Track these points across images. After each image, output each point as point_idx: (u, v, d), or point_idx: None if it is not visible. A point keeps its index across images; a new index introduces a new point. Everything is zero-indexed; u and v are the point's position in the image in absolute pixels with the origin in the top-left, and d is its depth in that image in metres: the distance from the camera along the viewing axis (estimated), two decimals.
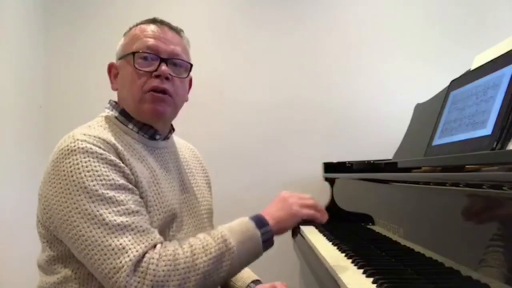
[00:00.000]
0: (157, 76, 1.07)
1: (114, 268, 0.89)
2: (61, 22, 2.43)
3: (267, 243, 1.01)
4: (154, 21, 1.14)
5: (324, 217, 1.11)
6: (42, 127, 2.33)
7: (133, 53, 1.08)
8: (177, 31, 1.16)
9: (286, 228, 1.06)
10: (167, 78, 1.08)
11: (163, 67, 1.07)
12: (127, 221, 0.93)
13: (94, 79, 2.39)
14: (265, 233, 1.01)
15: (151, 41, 1.09)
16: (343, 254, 1.30)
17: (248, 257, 1.00)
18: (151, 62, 1.08)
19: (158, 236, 0.97)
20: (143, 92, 1.07)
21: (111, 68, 1.15)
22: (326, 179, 2.13)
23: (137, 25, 1.15)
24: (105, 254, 0.90)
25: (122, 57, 1.12)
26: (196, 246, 0.96)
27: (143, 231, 0.94)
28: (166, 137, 1.18)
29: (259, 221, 1.02)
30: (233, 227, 1.01)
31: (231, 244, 0.97)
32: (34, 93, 2.30)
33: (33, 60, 2.31)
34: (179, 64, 1.12)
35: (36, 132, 2.29)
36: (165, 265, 0.92)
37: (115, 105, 1.13)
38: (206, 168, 1.36)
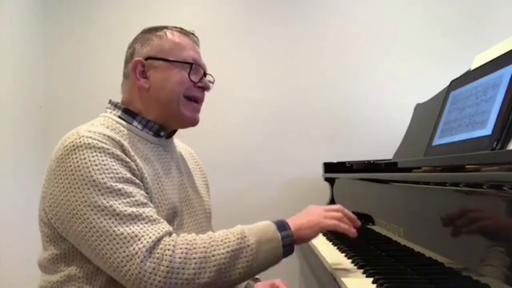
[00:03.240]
0: (200, 87, 1.15)
1: (127, 256, 0.89)
2: (61, 23, 2.43)
3: (288, 248, 1.00)
4: (186, 32, 1.18)
5: (350, 230, 1.05)
6: (42, 127, 2.33)
7: (191, 64, 1.13)
8: (199, 44, 1.21)
9: (307, 236, 1.03)
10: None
11: (208, 80, 1.17)
12: (137, 211, 0.94)
13: (94, 79, 2.39)
14: (286, 237, 0.99)
15: (195, 55, 1.16)
16: (343, 254, 1.30)
17: (267, 259, 0.98)
18: (197, 73, 1.14)
19: (168, 225, 0.97)
20: (184, 96, 1.13)
21: (137, 64, 1.12)
22: (326, 179, 2.13)
23: (166, 28, 1.16)
24: (117, 243, 0.90)
25: (166, 60, 1.12)
26: (215, 238, 0.96)
27: (154, 220, 0.95)
28: (168, 136, 1.19)
29: (281, 225, 1.01)
30: (254, 227, 1.00)
31: (250, 241, 0.96)
32: (34, 93, 2.31)
33: (33, 60, 2.31)
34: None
35: (36, 132, 2.29)
36: (181, 252, 0.92)
37: (117, 105, 1.14)
38: (204, 170, 1.36)
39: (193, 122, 1.16)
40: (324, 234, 1.67)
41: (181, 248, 0.93)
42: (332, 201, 2.05)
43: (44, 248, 1.04)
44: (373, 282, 0.97)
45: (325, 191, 2.11)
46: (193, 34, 1.19)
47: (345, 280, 1.01)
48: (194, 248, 0.93)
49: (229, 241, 0.96)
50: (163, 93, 1.11)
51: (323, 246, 1.48)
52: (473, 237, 0.87)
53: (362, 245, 1.38)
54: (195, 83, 1.13)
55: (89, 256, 0.96)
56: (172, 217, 1.08)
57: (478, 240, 0.84)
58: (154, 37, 1.14)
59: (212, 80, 1.20)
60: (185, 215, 1.15)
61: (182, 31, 1.17)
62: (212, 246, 0.95)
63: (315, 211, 1.07)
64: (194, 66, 1.13)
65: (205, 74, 1.17)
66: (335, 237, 1.55)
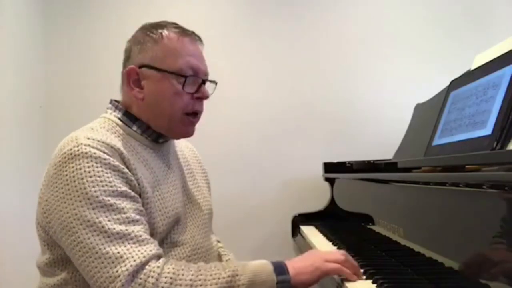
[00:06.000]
0: (198, 98, 1.10)
1: (110, 277, 0.88)
2: (61, 22, 2.43)
3: None
4: (185, 32, 1.11)
5: (352, 277, 0.99)
6: (42, 127, 2.33)
7: (185, 77, 1.07)
8: (202, 43, 1.15)
9: (306, 282, 0.96)
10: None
11: (206, 89, 1.11)
12: (126, 229, 0.91)
13: (94, 79, 2.39)
14: (282, 282, 0.93)
15: (193, 61, 1.09)
16: None
17: None
18: (194, 83, 1.09)
19: (157, 247, 0.95)
20: (183, 113, 1.09)
21: (131, 73, 1.08)
22: (326, 179, 2.13)
23: (164, 27, 1.09)
24: (102, 263, 0.89)
25: (159, 70, 1.07)
26: (204, 272, 0.93)
27: (142, 241, 0.92)
28: (166, 140, 1.18)
29: (279, 267, 0.95)
30: (249, 266, 0.95)
31: (241, 281, 0.92)
32: (34, 93, 2.30)
33: (33, 60, 2.31)
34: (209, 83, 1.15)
35: (36, 132, 2.29)
36: (165, 282, 0.89)
37: (118, 106, 1.11)
38: (205, 168, 1.35)
39: (187, 135, 1.14)
40: (324, 234, 1.67)
41: (165, 277, 0.89)
42: (332, 201, 2.06)
43: (42, 252, 1.04)
44: (373, 282, 0.97)
45: (325, 191, 2.11)
46: (193, 33, 1.13)
47: (345, 280, 1.01)
48: (180, 280, 0.90)
49: (219, 278, 0.91)
50: (158, 107, 1.08)
51: (323, 246, 1.48)
52: (473, 237, 0.87)
53: (362, 245, 1.38)
54: (192, 94, 1.09)
55: (77, 267, 0.95)
56: (174, 222, 1.07)
57: (478, 240, 0.84)
58: (149, 40, 1.08)
59: (214, 82, 1.15)
60: (188, 218, 1.14)
61: (181, 31, 1.11)
62: (200, 280, 0.91)
63: (317, 256, 1.01)
64: (188, 78, 1.07)
65: (204, 82, 1.11)
66: (335, 237, 1.55)
